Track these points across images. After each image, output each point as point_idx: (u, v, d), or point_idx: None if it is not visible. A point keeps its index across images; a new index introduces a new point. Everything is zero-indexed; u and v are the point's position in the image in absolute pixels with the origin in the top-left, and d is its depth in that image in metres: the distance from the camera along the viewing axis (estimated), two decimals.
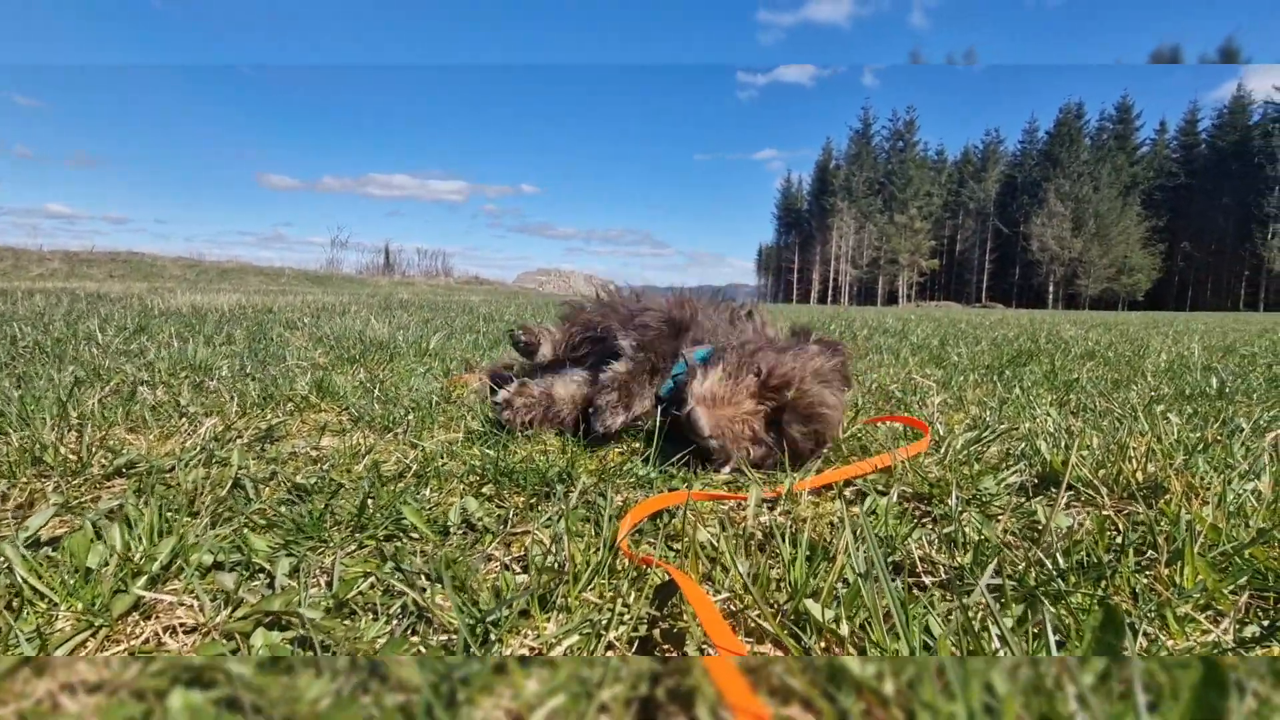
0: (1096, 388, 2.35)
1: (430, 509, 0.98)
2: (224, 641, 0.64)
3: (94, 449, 1.15)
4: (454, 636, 0.63)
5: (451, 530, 0.91)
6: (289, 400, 1.70)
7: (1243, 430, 1.57)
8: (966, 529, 0.89)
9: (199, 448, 1.20)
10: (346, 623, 0.67)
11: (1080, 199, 72.56)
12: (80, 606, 0.68)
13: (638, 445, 1.41)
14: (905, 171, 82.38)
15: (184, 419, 1.43)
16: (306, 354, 2.61)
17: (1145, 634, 0.67)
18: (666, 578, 0.73)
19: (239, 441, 1.29)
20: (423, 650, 0.62)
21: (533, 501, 1.04)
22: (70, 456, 1.11)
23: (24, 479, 1.05)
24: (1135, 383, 2.52)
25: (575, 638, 0.64)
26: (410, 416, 1.54)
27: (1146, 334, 6.76)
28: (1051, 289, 73.70)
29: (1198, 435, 1.45)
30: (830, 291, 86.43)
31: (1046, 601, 0.69)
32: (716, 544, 0.83)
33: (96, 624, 0.66)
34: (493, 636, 0.63)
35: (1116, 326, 9.28)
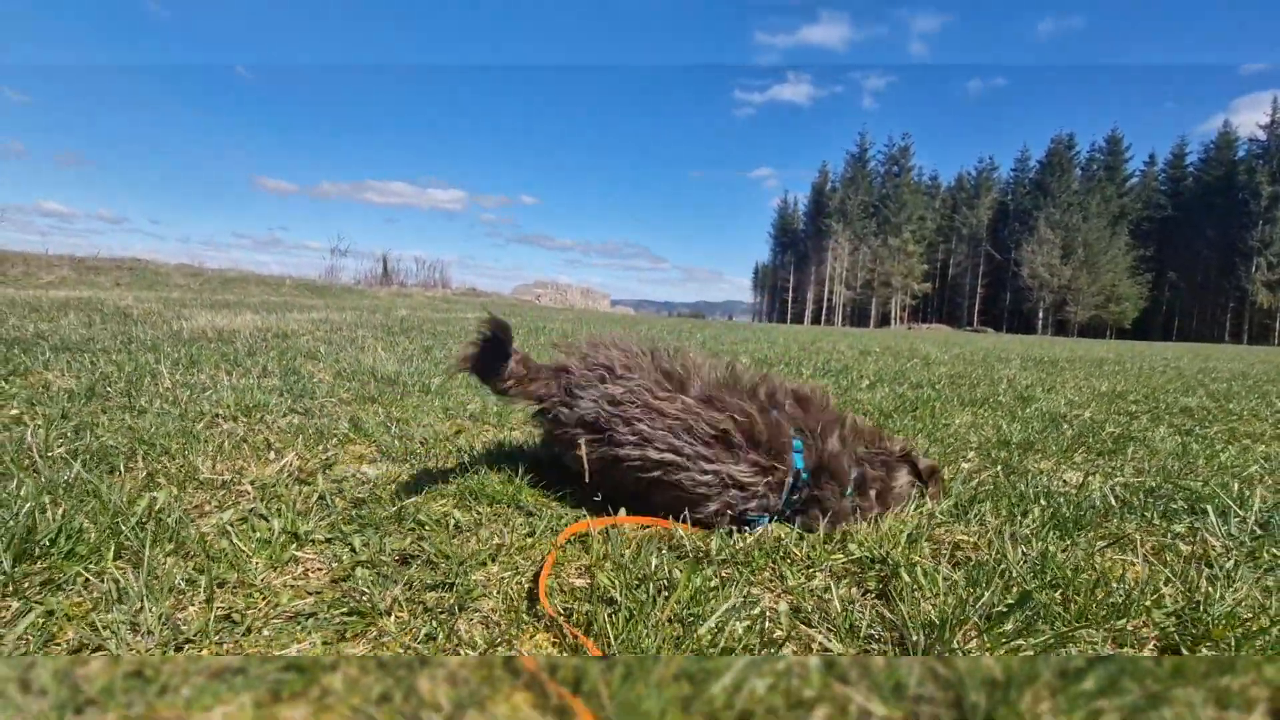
0: (957, 435, 3.05)
1: (439, 516, 1.67)
2: (340, 576, 1.33)
3: (227, 472, 1.85)
4: (448, 572, 1.32)
5: (446, 525, 1.60)
6: (333, 435, 2.39)
7: (1000, 481, 2.27)
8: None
9: (289, 473, 1.89)
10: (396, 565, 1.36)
11: (1070, 228, 73.89)
12: (265, 555, 1.37)
13: None
14: (900, 196, 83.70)
15: (271, 451, 2.12)
16: (334, 391, 3.31)
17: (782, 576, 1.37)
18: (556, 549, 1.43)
19: (316, 468, 1.98)
20: (431, 561, 1.31)
21: (499, 511, 1.74)
22: (215, 477, 1.81)
23: (190, 489, 1.74)
24: (987, 427, 3.23)
25: (509, 573, 1.33)
26: (422, 449, 2.25)
27: (1084, 370, 7.52)
28: (1041, 315, 74.81)
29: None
30: (825, 311, 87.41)
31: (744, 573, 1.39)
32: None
33: (276, 566, 1.35)
34: (470, 569, 1.33)
35: (1075, 358, 10.05)
